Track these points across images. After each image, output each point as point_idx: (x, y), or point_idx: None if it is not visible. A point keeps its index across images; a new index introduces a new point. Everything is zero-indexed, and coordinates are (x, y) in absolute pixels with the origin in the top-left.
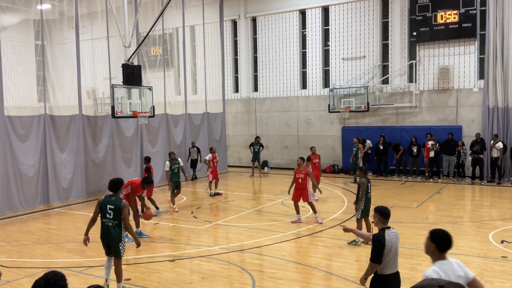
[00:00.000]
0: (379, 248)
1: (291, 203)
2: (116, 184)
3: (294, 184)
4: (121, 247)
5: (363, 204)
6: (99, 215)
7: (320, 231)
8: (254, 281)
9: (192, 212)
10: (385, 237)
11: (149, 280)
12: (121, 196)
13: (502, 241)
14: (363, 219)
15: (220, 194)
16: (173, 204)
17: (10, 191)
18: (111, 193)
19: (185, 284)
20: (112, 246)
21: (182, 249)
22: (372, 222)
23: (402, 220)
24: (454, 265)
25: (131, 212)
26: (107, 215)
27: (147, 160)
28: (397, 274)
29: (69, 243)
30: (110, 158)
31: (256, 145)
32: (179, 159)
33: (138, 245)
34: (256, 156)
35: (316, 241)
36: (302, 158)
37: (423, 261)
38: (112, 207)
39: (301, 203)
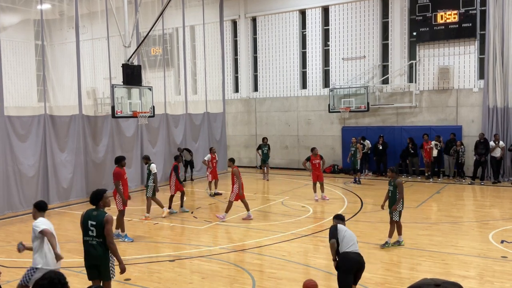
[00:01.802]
0: (332, 230)
1: (291, 203)
2: (96, 196)
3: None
4: (111, 267)
5: (401, 206)
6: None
7: (320, 231)
8: (254, 281)
9: (192, 212)
10: (337, 225)
11: (149, 280)
12: (105, 210)
13: (502, 241)
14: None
15: (220, 194)
16: (148, 210)
17: (10, 191)
18: (93, 206)
19: (185, 284)
20: (101, 268)
21: (182, 249)
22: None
23: (402, 220)
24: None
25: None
26: (90, 233)
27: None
28: (358, 254)
29: (69, 243)
30: (110, 158)
31: (265, 147)
32: (153, 165)
33: (123, 270)
34: (265, 158)
35: (316, 241)
36: (230, 159)
37: (423, 261)
38: (94, 223)
39: (299, 202)
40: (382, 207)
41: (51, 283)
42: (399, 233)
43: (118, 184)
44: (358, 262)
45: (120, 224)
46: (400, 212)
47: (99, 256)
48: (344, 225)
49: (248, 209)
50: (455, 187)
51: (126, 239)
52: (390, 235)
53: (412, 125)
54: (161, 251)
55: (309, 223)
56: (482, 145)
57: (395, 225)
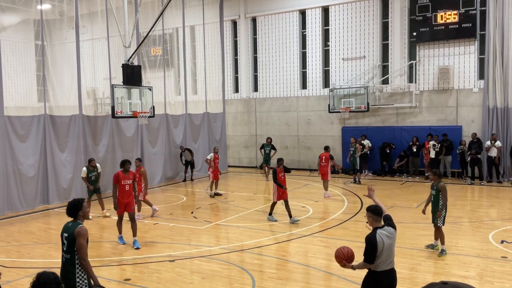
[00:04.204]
0: (371, 248)
1: (291, 204)
2: (74, 206)
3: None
4: None
5: (445, 211)
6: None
7: (320, 231)
8: (254, 281)
9: (192, 212)
10: (376, 238)
11: (149, 280)
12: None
13: (502, 241)
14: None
15: (220, 194)
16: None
17: (10, 191)
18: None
19: (185, 284)
20: None
21: (182, 249)
22: (367, 222)
23: (402, 220)
24: None
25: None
26: (63, 247)
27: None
28: (391, 271)
29: None
30: (110, 158)
31: (267, 147)
32: (98, 165)
33: (95, 284)
34: (266, 158)
35: (316, 241)
36: (137, 159)
37: (423, 261)
38: (66, 235)
39: (299, 202)
40: (424, 211)
41: (45, 283)
42: (436, 238)
43: (114, 188)
44: (389, 285)
45: (118, 226)
46: (444, 217)
47: (64, 275)
48: (385, 223)
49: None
50: (455, 187)
51: (119, 241)
52: (442, 242)
53: (412, 125)
54: (161, 251)
55: (309, 223)
56: (475, 145)
57: (441, 232)
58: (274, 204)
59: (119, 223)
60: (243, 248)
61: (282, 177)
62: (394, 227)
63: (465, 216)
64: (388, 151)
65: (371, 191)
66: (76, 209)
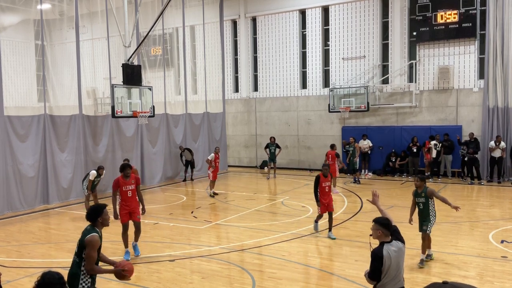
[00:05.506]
0: (377, 264)
1: (291, 203)
2: (92, 212)
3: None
4: None
5: (434, 218)
6: None
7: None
8: (254, 281)
9: (192, 212)
10: (382, 253)
11: (149, 280)
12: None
13: (502, 241)
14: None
15: (217, 194)
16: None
17: (10, 191)
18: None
19: (185, 284)
20: None
21: (182, 249)
22: (371, 235)
23: (402, 220)
24: None
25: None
26: (76, 248)
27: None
28: None
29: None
30: (110, 158)
31: (272, 146)
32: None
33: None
34: (272, 157)
35: (316, 241)
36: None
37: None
38: (80, 238)
39: (299, 202)
40: (410, 221)
41: (50, 283)
42: (429, 247)
43: (114, 195)
44: None
45: (123, 238)
46: (432, 224)
47: (69, 276)
48: (392, 237)
49: None
50: (455, 187)
51: (124, 257)
52: (429, 246)
53: (412, 125)
54: (161, 251)
55: (309, 223)
56: (472, 144)
57: (429, 240)
58: (319, 217)
59: (124, 233)
60: (243, 248)
61: (327, 188)
62: (402, 241)
63: (465, 216)
64: (393, 159)
65: (376, 197)
66: (96, 214)
